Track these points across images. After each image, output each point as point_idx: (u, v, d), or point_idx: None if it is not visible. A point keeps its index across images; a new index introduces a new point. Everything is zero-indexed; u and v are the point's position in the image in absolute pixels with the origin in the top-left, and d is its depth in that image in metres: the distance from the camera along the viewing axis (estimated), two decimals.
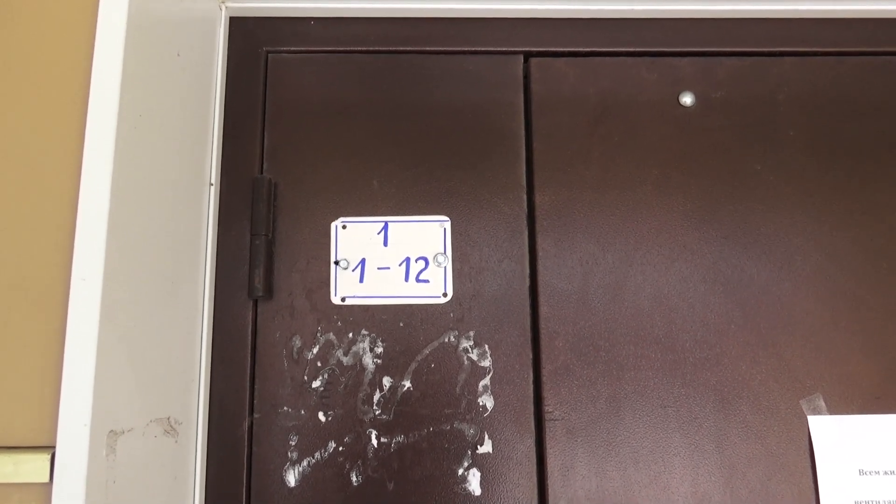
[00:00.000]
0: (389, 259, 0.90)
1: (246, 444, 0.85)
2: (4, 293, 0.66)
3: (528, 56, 0.97)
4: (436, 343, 0.88)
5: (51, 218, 0.67)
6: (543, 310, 0.88)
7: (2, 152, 0.69)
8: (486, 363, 0.87)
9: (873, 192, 0.92)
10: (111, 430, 0.65)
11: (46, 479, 0.61)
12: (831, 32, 0.97)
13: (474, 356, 0.88)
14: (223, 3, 0.95)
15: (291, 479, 0.85)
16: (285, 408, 0.86)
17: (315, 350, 0.88)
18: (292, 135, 0.94)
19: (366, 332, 0.88)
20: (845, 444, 0.84)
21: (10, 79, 0.70)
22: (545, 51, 0.97)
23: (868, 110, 0.95)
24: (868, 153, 0.93)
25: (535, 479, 0.85)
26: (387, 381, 0.87)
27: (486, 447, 0.85)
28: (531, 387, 0.87)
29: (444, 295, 0.89)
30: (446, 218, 0.91)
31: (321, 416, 0.86)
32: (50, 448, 0.62)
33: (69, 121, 0.69)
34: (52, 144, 0.69)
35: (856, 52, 0.97)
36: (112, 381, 0.65)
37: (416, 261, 0.90)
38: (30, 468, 0.61)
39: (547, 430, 0.85)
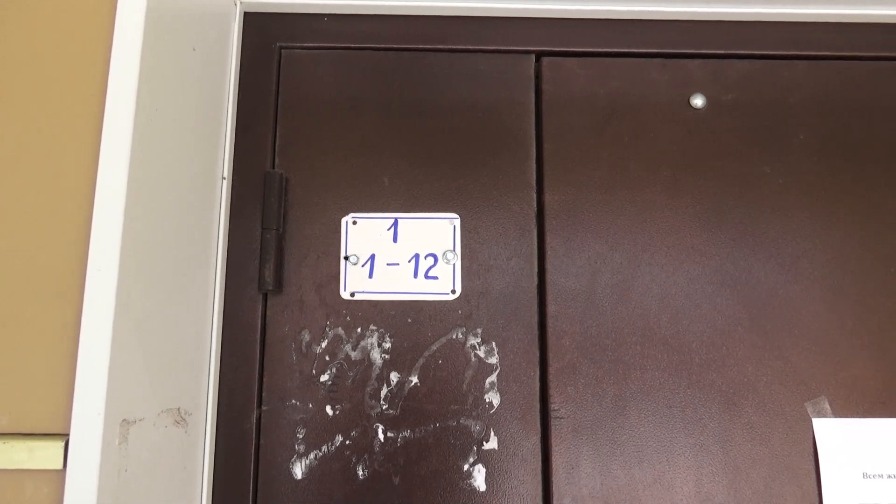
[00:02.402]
0: (399, 255, 0.91)
1: (254, 435, 0.86)
2: (22, 283, 0.67)
3: (539, 56, 0.97)
4: (443, 339, 0.89)
5: (68, 210, 0.68)
6: (551, 308, 0.89)
7: (21, 146, 0.69)
8: (494, 360, 0.88)
9: (882, 196, 0.92)
10: (124, 420, 0.66)
11: (60, 465, 0.62)
12: (843, 37, 0.97)
13: (481, 353, 0.88)
14: None
15: (298, 471, 0.86)
16: (293, 401, 0.87)
17: (323, 344, 0.89)
18: (304, 130, 0.94)
19: (374, 328, 0.89)
20: (849, 447, 0.85)
21: (29, 73, 0.71)
22: (557, 51, 0.97)
23: (878, 115, 0.95)
24: (878, 158, 0.93)
25: (539, 476, 0.85)
26: (394, 377, 0.88)
27: (491, 444, 0.86)
28: (537, 384, 0.88)
29: (453, 292, 0.90)
30: (456, 215, 0.92)
31: (328, 410, 0.87)
32: (64, 436, 0.63)
33: (87, 114, 0.69)
34: (70, 138, 0.69)
35: (867, 57, 0.97)
36: (125, 371, 0.66)
37: (426, 257, 0.91)
38: (44, 455, 0.62)
39: (552, 427, 0.86)
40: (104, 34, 0.70)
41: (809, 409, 0.86)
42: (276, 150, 0.94)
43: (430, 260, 0.91)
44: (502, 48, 0.97)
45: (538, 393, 0.87)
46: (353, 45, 0.97)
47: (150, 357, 0.72)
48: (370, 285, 0.90)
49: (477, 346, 0.88)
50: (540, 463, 0.86)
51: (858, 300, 0.89)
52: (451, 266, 0.90)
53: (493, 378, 0.88)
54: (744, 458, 0.85)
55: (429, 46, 0.97)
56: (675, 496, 0.84)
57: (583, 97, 0.95)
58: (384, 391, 0.88)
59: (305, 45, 0.97)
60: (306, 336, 0.89)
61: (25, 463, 0.62)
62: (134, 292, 0.68)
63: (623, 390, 0.87)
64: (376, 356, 0.88)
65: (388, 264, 0.91)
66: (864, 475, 0.84)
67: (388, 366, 0.88)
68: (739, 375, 0.87)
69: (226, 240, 0.91)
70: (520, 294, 0.90)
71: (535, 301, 0.90)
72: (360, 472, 0.86)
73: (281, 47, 0.97)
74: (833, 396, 0.87)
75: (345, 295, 0.90)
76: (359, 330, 0.89)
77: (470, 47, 0.97)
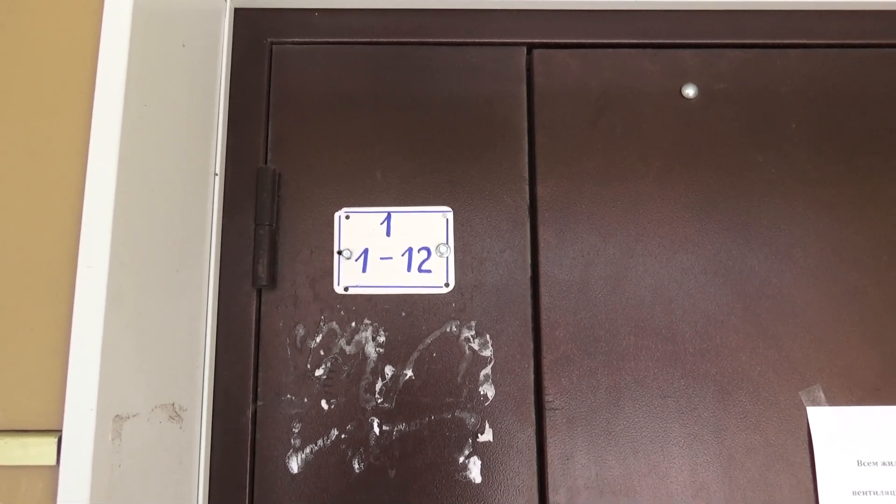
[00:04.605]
0: (392, 249, 0.91)
1: (249, 431, 0.87)
2: (13, 280, 0.67)
3: (531, 48, 0.97)
4: (438, 332, 0.89)
5: (58, 206, 0.68)
6: (544, 300, 0.89)
7: (10, 142, 0.69)
8: (488, 353, 0.88)
9: (875, 184, 0.92)
10: (117, 415, 0.66)
11: (53, 462, 0.62)
12: (835, 24, 0.97)
13: (476, 346, 0.88)
14: None
15: (294, 465, 0.86)
16: (288, 395, 0.87)
17: (318, 339, 0.89)
18: (296, 126, 0.94)
19: (368, 322, 0.89)
20: (844, 435, 0.85)
21: (17, 69, 0.71)
22: (548, 42, 0.97)
23: (871, 103, 0.94)
24: (870, 146, 0.93)
25: (534, 467, 0.86)
26: (389, 370, 0.88)
27: (486, 436, 0.86)
28: (532, 376, 0.88)
29: (447, 285, 0.90)
30: (449, 209, 0.92)
31: (324, 404, 0.87)
32: (57, 432, 0.63)
33: (75, 110, 0.69)
34: (58, 134, 0.69)
35: (859, 45, 0.97)
36: (118, 367, 0.66)
37: (419, 251, 0.91)
38: (37, 451, 0.63)
39: (547, 419, 0.86)
40: (92, 29, 0.70)
41: (804, 398, 0.86)
42: (269, 145, 0.94)
43: (424, 253, 0.91)
44: (493, 41, 0.97)
45: (532, 385, 0.88)
46: (343, 40, 0.97)
47: (144, 353, 0.72)
48: (364, 279, 0.90)
49: (471, 339, 0.88)
50: (535, 454, 0.86)
51: (852, 288, 0.89)
52: (445, 259, 0.91)
53: (487, 370, 0.88)
54: (738, 448, 0.85)
55: (420, 40, 0.97)
56: (670, 486, 0.84)
57: (575, 89, 0.95)
58: (379, 385, 0.88)
59: (296, 40, 0.97)
60: (301, 331, 0.89)
61: (19, 459, 0.63)
62: (125, 288, 0.68)
63: (617, 381, 0.87)
64: (371, 350, 0.88)
65: (381, 258, 0.91)
66: (859, 463, 0.84)
67: (382, 359, 0.88)
68: (733, 365, 0.87)
69: (219, 236, 0.91)
70: (513, 286, 0.90)
71: (528, 293, 0.90)
72: (356, 466, 0.86)
73: (272, 43, 0.97)
74: (827, 384, 0.87)
75: (338, 289, 0.90)
76: (353, 324, 0.89)
77: (461, 40, 0.97)
